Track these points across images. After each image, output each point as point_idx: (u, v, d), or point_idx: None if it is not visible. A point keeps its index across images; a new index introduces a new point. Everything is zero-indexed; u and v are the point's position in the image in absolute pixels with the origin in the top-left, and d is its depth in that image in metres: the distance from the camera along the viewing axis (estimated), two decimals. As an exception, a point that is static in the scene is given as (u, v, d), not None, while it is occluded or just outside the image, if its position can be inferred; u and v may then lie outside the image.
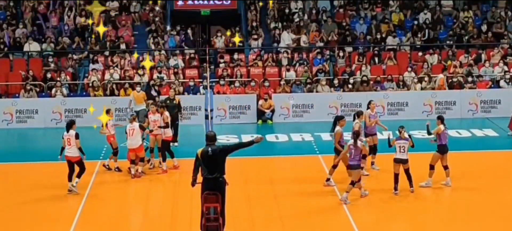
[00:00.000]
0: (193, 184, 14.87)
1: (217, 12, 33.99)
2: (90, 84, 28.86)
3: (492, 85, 29.53)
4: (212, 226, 14.14)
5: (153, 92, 27.74)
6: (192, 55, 31.23)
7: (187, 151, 20.80)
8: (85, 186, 19.18)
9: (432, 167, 18.72)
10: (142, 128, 20.01)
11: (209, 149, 14.56)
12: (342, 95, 28.56)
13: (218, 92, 28.38)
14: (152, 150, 20.94)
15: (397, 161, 18.25)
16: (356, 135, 17.99)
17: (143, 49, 31.74)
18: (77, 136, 18.46)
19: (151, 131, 20.41)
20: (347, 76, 29.52)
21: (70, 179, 18.64)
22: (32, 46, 31.28)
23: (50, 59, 30.43)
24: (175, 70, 29.70)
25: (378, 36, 32.28)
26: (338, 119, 19.15)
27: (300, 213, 17.27)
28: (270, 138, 25.57)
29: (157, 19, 33.10)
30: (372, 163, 20.67)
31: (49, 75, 29.42)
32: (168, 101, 23.75)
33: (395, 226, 16.50)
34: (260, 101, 28.17)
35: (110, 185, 19.76)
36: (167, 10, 34.57)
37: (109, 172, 20.70)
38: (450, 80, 29.37)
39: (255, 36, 32.11)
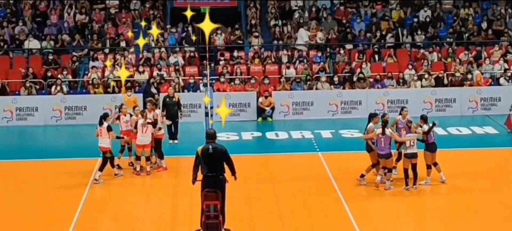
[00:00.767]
0: (193, 182, 14.91)
1: (217, 9, 33.96)
2: (90, 82, 28.85)
3: (492, 83, 29.53)
4: (212, 223, 14.14)
5: (153, 90, 27.75)
6: (192, 53, 31.20)
7: (187, 148, 20.79)
8: (85, 183, 19.18)
9: (429, 166, 18.72)
10: (109, 129, 19.75)
11: (210, 146, 14.56)
12: (342, 92, 28.56)
13: (218, 90, 28.37)
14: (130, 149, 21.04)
15: (407, 156, 18.19)
16: (384, 124, 18.09)
17: (144, 47, 31.66)
18: (109, 128, 19.28)
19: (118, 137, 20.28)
20: (348, 74, 29.50)
21: (101, 169, 19.49)
22: (32, 44, 31.28)
23: (50, 57, 30.42)
24: (176, 67, 29.69)
25: (378, 34, 32.26)
26: (371, 116, 19.07)
27: (300, 211, 17.27)
28: (270, 135, 25.58)
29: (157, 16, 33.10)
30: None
31: (49, 73, 29.39)
32: (167, 99, 23.77)
33: (395, 223, 16.50)
34: (260, 99, 28.17)
35: (109, 183, 19.75)
36: (167, 7, 34.56)
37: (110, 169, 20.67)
38: (451, 78, 29.40)
39: (256, 34, 32.10)
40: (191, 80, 29.05)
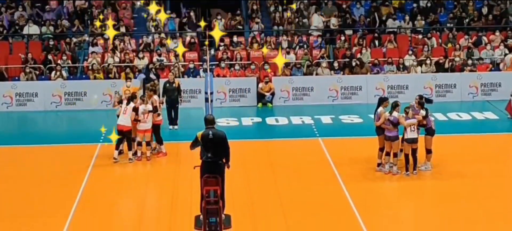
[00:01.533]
0: (192, 148, 14.98)
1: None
2: (90, 67, 28.82)
3: (493, 68, 29.49)
4: (212, 209, 14.13)
5: (152, 76, 27.78)
6: (192, 39, 31.14)
7: (187, 134, 20.73)
8: (85, 169, 19.20)
9: (429, 151, 18.71)
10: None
11: (210, 132, 14.54)
12: (342, 78, 28.53)
13: (218, 75, 28.34)
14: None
15: (408, 141, 18.18)
16: (393, 107, 18.23)
17: (143, 32, 31.67)
18: (134, 109, 19.55)
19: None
20: (348, 59, 29.48)
21: (117, 148, 19.66)
22: (31, 29, 31.22)
23: (51, 42, 30.36)
24: (175, 53, 29.66)
25: (378, 19, 32.22)
26: (382, 100, 19.03)
27: (300, 196, 17.28)
28: (270, 121, 25.57)
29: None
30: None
31: (49, 57, 29.34)
32: (167, 85, 23.79)
33: (395, 208, 16.51)
34: (260, 84, 28.13)
35: (109, 169, 19.76)
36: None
37: (112, 156, 20.67)
38: (451, 63, 29.38)
39: (258, 20, 32.04)
40: (191, 66, 29.02)
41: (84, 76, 29.08)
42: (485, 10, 32.82)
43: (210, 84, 22.06)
